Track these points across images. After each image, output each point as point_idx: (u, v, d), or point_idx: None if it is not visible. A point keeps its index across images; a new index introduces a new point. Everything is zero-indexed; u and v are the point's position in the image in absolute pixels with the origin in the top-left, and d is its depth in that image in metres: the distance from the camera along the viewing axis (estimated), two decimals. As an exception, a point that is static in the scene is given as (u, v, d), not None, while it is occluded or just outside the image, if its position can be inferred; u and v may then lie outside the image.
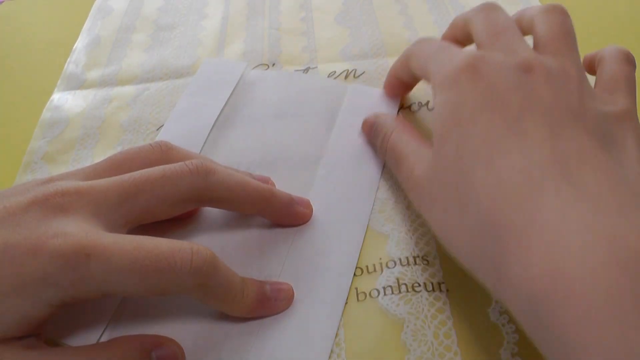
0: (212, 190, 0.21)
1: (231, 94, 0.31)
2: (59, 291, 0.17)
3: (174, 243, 0.18)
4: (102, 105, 0.32)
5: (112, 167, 0.21)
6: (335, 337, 0.20)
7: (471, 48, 0.24)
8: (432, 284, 0.21)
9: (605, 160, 0.17)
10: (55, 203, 0.18)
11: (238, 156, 0.28)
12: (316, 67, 0.33)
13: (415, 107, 0.30)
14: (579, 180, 0.16)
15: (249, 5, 0.39)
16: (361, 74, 0.32)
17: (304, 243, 0.23)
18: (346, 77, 0.32)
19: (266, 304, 0.20)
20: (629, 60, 0.22)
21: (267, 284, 0.21)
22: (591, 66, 0.23)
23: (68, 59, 0.36)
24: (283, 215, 0.23)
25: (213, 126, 0.29)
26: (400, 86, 0.29)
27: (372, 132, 0.27)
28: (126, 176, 0.20)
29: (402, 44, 0.34)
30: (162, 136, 0.29)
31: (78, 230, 0.18)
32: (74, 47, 0.37)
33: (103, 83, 0.34)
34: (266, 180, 0.25)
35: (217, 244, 0.23)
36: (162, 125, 0.30)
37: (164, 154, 0.22)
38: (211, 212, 0.25)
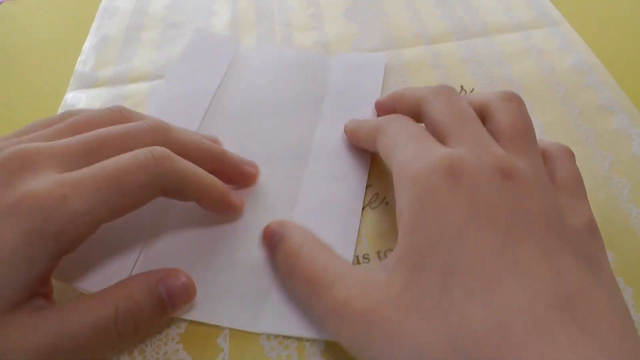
0: (170, 147, 0.21)
1: (224, 75, 0.32)
2: (49, 242, 0.17)
3: (133, 151, 0.19)
4: (116, 103, 0.32)
5: (71, 129, 0.21)
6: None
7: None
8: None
9: (603, 296, 0.16)
10: (17, 164, 0.18)
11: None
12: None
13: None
14: (590, 329, 0.15)
15: (257, 3, 0.39)
16: (374, 66, 0.33)
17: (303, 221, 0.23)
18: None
19: (231, 197, 0.23)
20: (574, 157, 0.22)
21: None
22: None
23: (78, 59, 0.36)
24: (234, 173, 0.24)
25: (207, 110, 0.30)
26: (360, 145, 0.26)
27: (273, 242, 0.22)
28: (88, 133, 0.20)
29: (411, 36, 0.34)
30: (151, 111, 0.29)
31: (44, 181, 0.18)
32: (84, 47, 0.37)
33: (115, 81, 0.34)
34: (215, 141, 0.26)
35: (204, 240, 0.23)
36: None
37: (123, 117, 0.22)
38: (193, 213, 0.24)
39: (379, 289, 0.17)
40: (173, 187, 0.20)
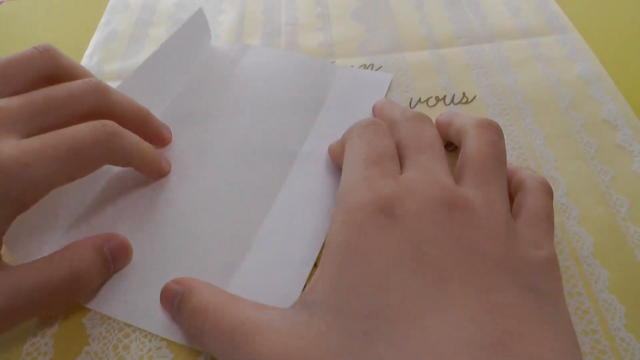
0: (110, 107, 0.23)
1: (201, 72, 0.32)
2: (11, 203, 0.19)
3: (88, 123, 0.21)
4: (120, 98, 0.32)
5: (4, 78, 0.22)
6: None
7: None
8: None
9: (546, 334, 0.15)
10: None
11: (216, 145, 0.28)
12: (334, 62, 0.33)
13: None
14: None
15: (265, 2, 0.39)
16: (378, 69, 0.32)
17: (269, 234, 0.24)
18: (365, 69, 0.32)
19: (161, 163, 0.26)
20: (550, 193, 0.21)
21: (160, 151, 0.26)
22: (509, 188, 0.21)
23: (85, 52, 0.36)
24: (154, 134, 0.27)
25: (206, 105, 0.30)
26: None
27: (172, 302, 0.20)
28: (35, 94, 0.21)
29: (418, 39, 0.34)
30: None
31: (6, 147, 0.19)
32: (91, 41, 0.37)
33: (121, 76, 0.34)
34: (169, 130, 0.28)
35: (185, 228, 0.24)
36: None
37: (53, 59, 0.23)
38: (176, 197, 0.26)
39: (299, 337, 0.16)
40: (120, 160, 0.23)
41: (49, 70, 0.23)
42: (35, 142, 0.20)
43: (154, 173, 0.26)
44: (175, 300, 0.20)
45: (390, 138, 0.21)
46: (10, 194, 0.19)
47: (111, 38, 0.37)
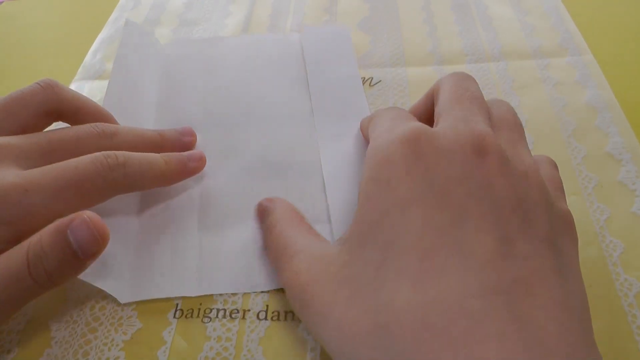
0: (118, 148, 0.23)
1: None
2: (6, 228, 0.19)
3: (90, 155, 0.21)
4: (116, 98, 0.32)
5: (6, 113, 0.22)
6: (312, 351, 0.20)
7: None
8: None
9: (555, 287, 0.15)
10: None
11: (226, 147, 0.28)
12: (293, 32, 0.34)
13: None
14: (527, 319, 0.13)
15: (274, 5, 0.39)
16: (377, 83, 0.31)
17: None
18: (362, 84, 0.32)
19: (188, 166, 0.25)
20: (557, 167, 0.21)
21: (184, 153, 0.25)
22: None
23: (90, 48, 0.37)
24: (177, 149, 0.26)
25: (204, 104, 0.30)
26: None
27: (261, 216, 0.24)
28: (41, 135, 0.22)
29: (423, 54, 0.33)
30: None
31: (7, 174, 0.19)
32: (97, 37, 0.38)
33: (121, 75, 0.34)
34: (191, 133, 0.27)
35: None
36: None
37: (55, 94, 0.23)
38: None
39: (325, 263, 0.18)
40: (130, 188, 0.23)
41: (51, 104, 0.23)
42: (37, 172, 0.20)
43: (181, 179, 0.25)
44: (262, 216, 0.23)
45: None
46: (7, 219, 0.19)
47: (118, 35, 0.38)
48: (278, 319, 0.21)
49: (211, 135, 0.28)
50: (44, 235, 0.18)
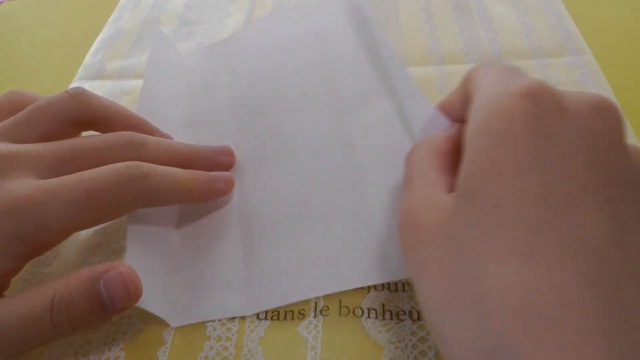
0: (144, 160, 0.21)
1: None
2: (20, 244, 0.18)
3: (111, 165, 0.20)
4: (117, 98, 0.32)
5: (30, 121, 0.21)
6: (312, 350, 0.20)
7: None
8: (419, 312, 0.20)
9: None
10: None
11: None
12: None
13: None
14: (637, 323, 0.13)
15: (274, 5, 0.39)
16: (377, 83, 0.31)
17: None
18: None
19: (214, 185, 0.23)
20: None
21: (211, 173, 0.23)
22: None
23: (91, 48, 0.37)
24: (211, 168, 0.24)
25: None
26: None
27: None
28: (62, 143, 0.21)
29: (423, 54, 0.33)
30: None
31: (22, 185, 0.18)
32: (98, 37, 0.38)
33: (121, 75, 0.34)
34: (229, 153, 0.26)
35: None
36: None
37: (82, 102, 0.22)
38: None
39: (437, 209, 0.16)
40: (152, 203, 0.21)
41: (78, 113, 0.22)
42: (53, 182, 0.19)
43: (206, 200, 0.24)
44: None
45: None
46: (21, 233, 0.18)
47: (118, 35, 0.38)
48: (278, 319, 0.21)
49: (245, 139, 0.27)
50: (72, 281, 0.18)
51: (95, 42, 0.37)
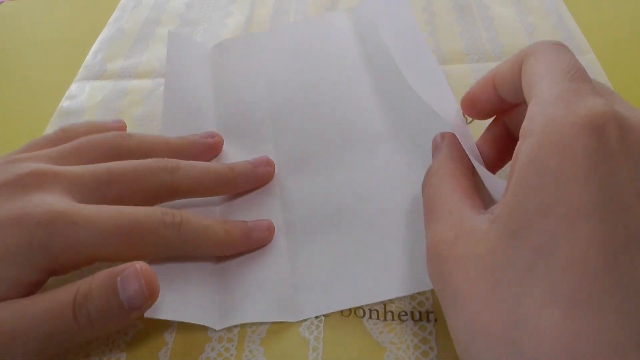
0: (178, 185, 0.22)
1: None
2: (47, 257, 0.18)
3: (149, 208, 0.20)
4: (117, 98, 0.32)
5: (76, 153, 0.22)
6: (314, 351, 0.20)
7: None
8: (420, 313, 0.20)
9: None
10: (35, 181, 0.20)
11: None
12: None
13: None
14: None
15: (275, 5, 0.39)
16: (378, 83, 0.31)
17: None
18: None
19: (251, 236, 0.22)
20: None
21: (249, 222, 0.23)
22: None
23: (91, 48, 0.37)
24: (250, 184, 0.25)
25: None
26: (489, 100, 0.20)
27: (432, 152, 0.21)
28: (100, 165, 0.21)
29: (425, 54, 0.33)
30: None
31: (59, 202, 0.19)
32: (98, 38, 0.38)
33: (122, 75, 0.34)
34: (268, 163, 0.25)
35: None
36: None
37: (124, 142, 0.23)
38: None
39: (472, 240, 0.15)
40: (182, 251, 0.21)
41: (120, 150, 0.23)
42: (91, 208, 0.19)
43: (243, 250, 0.23)
44: (433, 154, 0.21)
45: None
46: (50, 247, 0.18)
47: (118, 35, 0.38)
48: (279, 320, 0.21)
49: (285, 144, 0.27)
50: (95, 278, 0.19)
51: (96, 42, 0.37)
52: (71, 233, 0.18)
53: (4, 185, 0.19)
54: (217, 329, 0.21)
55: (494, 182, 0.18)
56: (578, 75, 0.16)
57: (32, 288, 0.19)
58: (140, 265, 0.19)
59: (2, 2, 0.44)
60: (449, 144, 0.20)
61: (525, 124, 0.15)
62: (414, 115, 0.26)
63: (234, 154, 0.27)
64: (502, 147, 0.21)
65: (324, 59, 0.30)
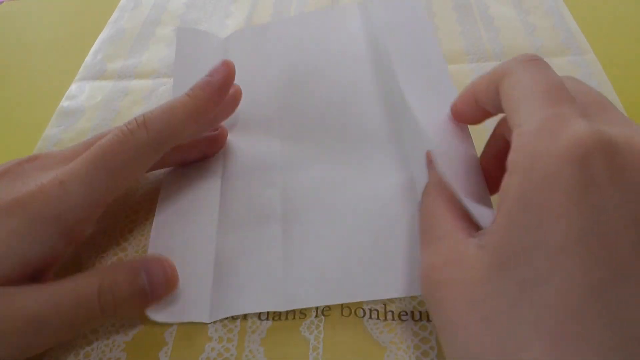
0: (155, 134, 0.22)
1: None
2: (50, 225, 0.19)
3: (112, 129, 0.21)
4: (117, 98, 0.32)
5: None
6: (314, 350, 0.20)
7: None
8: (421, 312, 0.20)
9: None
10: (29, 166, 0.21)
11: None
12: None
13: None
14: None
15: (275, 5, 0.39)
16: (378, 83, 0.31)
17: None
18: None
19: (211, 85, 0.23)
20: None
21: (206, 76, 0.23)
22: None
23: (92, 48, 0.37)
24: (215, 98, 0.23)
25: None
26: (475, 112, 0.20)
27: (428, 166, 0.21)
28: (81, 142, 0.23)
29: (425, 54, 0.33)
30: None
31: (48, 174, 0.20)
32: (98, 38, 0.38)
33: (122, 75, 0.34)
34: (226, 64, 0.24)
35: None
36: None
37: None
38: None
39: (463, 267, 0.15)
40: (161, 145, 0.21)
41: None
42: (71, 163, 0.20)
43: (218, 102, 0.23)
44: (429, 168, 0.20)
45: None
46: (48, 214, 0.19)
47: (118, 35, 0.38)
48: (279, 319, 0.21)
49: (290, 130, 0.27)
50: (118, 269, 0.20)
51: (96, 42, 0.37)
52: (60, 192, 0.19)
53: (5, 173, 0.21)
54: (207, 322, 0.21)
55: (481, 211, 0.17)
56: (558, 96, 0.15)
57: (50, 259, 0.20)
58: (166, 262, 0.21)
59: (1, 2, 0.44)
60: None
61: (511, 156, 0.15)
62: (415, 120, 0.25)
63: (241, 147, 0.27)
64: (504, 161, 0.21)
65: (332, 55, 0.30)
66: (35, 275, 0.19)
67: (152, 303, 0.20)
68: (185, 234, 0.23)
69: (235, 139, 0.27)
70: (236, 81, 0.24)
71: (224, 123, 0.27)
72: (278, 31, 0.33)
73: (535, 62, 0.17)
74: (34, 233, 0.19)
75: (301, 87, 0.29)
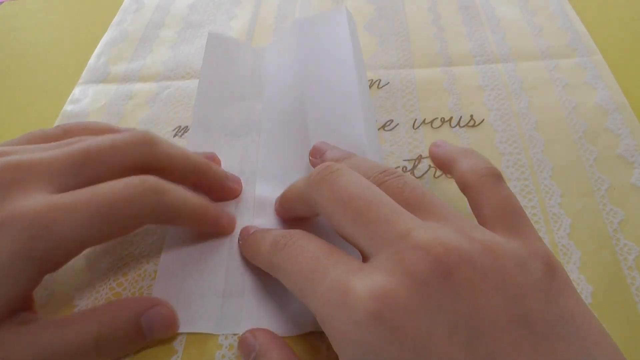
0: (158, 160, 0.22)
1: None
2: (35, 263, 0.18)
3: (124, 179, 0.20)
4: (121, 102, 0.32)
5: (91, 162, 0.21)
6: (319, 352, 0.20)
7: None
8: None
9: None
10: (9, 179, 0.19)
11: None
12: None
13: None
14: None
15: (279, 7, 0.39)
16: (385, 85, 0.31)
17: None
18: (370, 86, 0.31)
19: (218, 220, 0.23)
20: (501, 179, 0.20)
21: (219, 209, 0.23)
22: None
23: (94, 51, 0.36)
24: (217, 188, 0.24)
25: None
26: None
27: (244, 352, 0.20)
28: (75, 146, 0.20)
29: (431, 55, 0.33)
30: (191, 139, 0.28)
31: (37, 202, 0.18)
32: (101, 40, 0.37)
33: (125, 78, 0.34)
34: (211, 157, 0.26)
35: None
36: (178, 126, 0.30)
37: (151, 149, 0.22)
38: None
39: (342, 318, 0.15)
40: (163, 218, 0.21)
41: (146, 158, 0.22)
42: (67, 197, 0.19)
43: (211, 231, 0.23)
44: (251, 355, 0.19)
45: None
46: (35, 251, 0.18)
47: (121, 38, 0.37)
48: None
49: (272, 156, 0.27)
50: (117, 317, 0.19)
51: (99, 45, 0.37)
52: (53, 231, 0.18)
53: None
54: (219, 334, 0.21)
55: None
56: (334, 256, 0.17)
57: (29, 294, 0.19)
58: (162, 305, 0.20)
59: (1, 2, 0.44)
60: (265, 339, 0.19)
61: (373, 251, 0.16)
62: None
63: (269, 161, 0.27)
64: None
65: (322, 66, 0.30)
66: (15, 311, 0.19)
67: (146, 344, 0.20)
68: (199, 243, 0.23)
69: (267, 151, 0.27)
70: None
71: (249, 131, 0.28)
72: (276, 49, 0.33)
73: (301, 237, 0.18)
74: (16, 270, 0.18)
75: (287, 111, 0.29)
